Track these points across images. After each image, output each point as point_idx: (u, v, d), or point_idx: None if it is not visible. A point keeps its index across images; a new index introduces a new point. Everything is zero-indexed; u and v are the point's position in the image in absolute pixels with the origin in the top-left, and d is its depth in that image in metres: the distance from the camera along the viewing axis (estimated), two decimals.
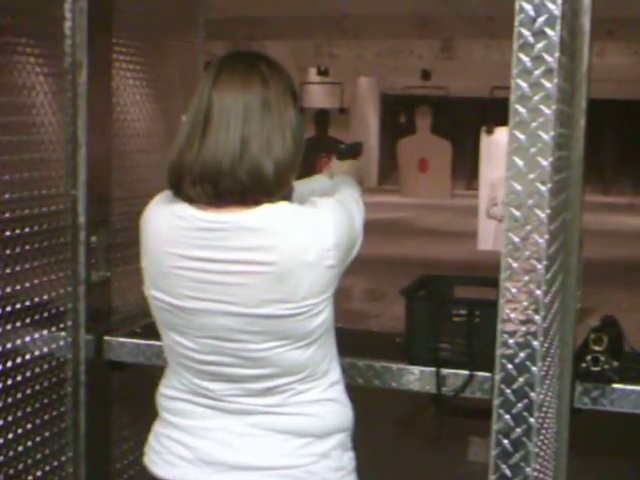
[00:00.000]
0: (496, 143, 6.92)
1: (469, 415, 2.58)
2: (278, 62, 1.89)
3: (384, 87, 19.33)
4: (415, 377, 2.48)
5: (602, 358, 2.38)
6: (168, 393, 1.91)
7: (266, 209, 1.75)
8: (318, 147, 9.44)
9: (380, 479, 4.28)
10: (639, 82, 14.55)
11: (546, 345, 1.89)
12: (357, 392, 2.53)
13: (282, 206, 1.77)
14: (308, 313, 1.77)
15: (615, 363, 2.39)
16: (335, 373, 1.92)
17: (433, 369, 2.46)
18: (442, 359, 2.47)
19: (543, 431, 1.96)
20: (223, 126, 1.76)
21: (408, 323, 2.55)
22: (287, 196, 1.83)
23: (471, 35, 9.13)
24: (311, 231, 1.76)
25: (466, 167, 16.57)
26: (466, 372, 2.43)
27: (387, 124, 20.93)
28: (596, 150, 20.19)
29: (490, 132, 7.04)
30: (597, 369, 2.38)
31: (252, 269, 1.74)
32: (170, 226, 1.80)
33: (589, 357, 2.39)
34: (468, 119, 14.92)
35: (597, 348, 2.39)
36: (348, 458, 1.94)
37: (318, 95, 12.11)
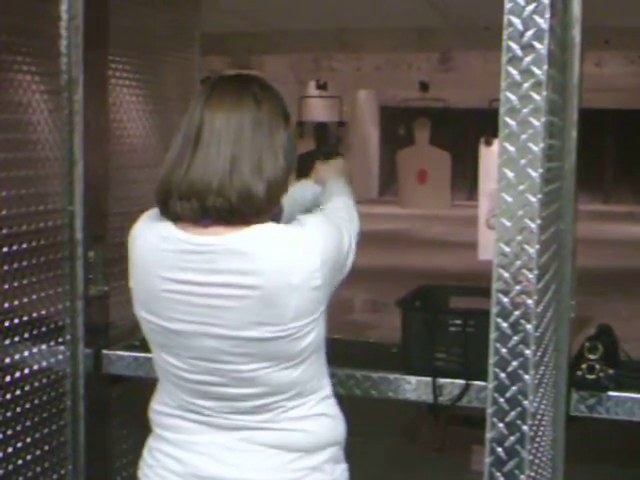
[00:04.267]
0: (494, 154, 6.89)
1: (468, 424, 2.60)
2: (270, 84, 1.91)
3: (383, 100, 19.38)
4: (412, 387, 2.50)
5: (597, 366, 2.40)
6: (159, 409, 1.92)
7: (252, 231, 1.75)
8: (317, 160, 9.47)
9: None
10: (637, 91, 14.58)
11: (539, 354, 1.91)
12: (358, 403, 2.56)
13: (269, 228, 1.77)
14: (295, 335, 1.77)
15: (610, 371, 2.41)
16: (325, 389, 1.92)
17: (429, 379, 2.48)
18: (438, 369, 2.49)
19: (537, 439, 1.97)
20: (214, 145, 1.76)
21: (404, 333, 2.57)
22: (277, 216, 1.83)
23: (469, 47, 9.16)
24: (297, 254, 1.76)
25: (466, 178, 16.62)
26: (462, 381, 2.45)
27: (387, 136, 20.98)
28: (596, 159, 20.25)
29: (489, 143, 7.05)
30: (592, 377, 2.40)
31: (238, 293, 1.74)
32: (154, 247, 1.80)
33: (584, 365, 2.41)
34: (468, 130, 14.97)
35: (592, 356, 2.41)
36: (340, 470, 1.94)
37: (317, 109, 12.14)
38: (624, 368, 2.49)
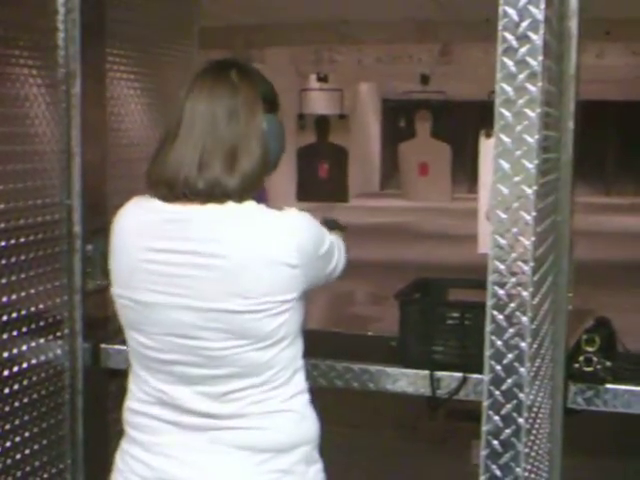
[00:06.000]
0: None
1: (470, 418, 2.60)
2: (253, 68, 1.92)
3: (385, 92, 19.36)
4: (410, 380, 2.50)
5: (595, 359, 2.40)
6: (132, 406, 1.92)
7: (229, 205, 1.79)
8: (319, 153, 9.47)
9: None
10: (639, 82, 14.55)
11: (535, 346, 1.91)
12: (359, 396, 2.56)
13: (246, 204, 1.80)
14: (268, 312, 1.78)
15: (608, 363, 2.41)
16: (299, 384, 1.91)
17: (427, 372, 2.48)
18: (436, 362, 2.48)
19: (534, 431, 1.97)
20: (189, 137, 1.80)
21: (402, 326, 2.57)
22: (260, 197, 1.85)
23: (469, 39, 9.15)
24: (272, 229, 1.79)
25: (467, 170, 16.59)
26: (460, 374, 2.45)
27: (388, 129, 20.96)
28: (597, 151, 20.22)
29: (489, 136, 7.04)
30: (590, 369, 2.40)
31: (208, 261, 1.76)
32: (136, 219, 1.84)
33: (582, 357, 2.41)
34: (468, 123, 14.94)
35: (589, 349, 2.41)
36: (314, 472, 1.92)
37: (318, 101, 12.13)
38: (622, 360, 2.49)
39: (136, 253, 1.82)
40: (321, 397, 2.38)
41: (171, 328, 1.80)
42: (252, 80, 1.88)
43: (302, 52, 11.40)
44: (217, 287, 1.76)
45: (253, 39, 10.37)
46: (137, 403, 1.91)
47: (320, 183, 9.33)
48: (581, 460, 2.84)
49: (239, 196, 1.80)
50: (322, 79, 10.35)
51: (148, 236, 1.81)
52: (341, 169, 9.43)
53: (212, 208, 1.79)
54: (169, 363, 1.83)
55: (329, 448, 2.05)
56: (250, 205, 1.81)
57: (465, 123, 15.32)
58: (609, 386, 2.40)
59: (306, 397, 1.93)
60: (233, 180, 1.79)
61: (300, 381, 1.91)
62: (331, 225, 2.31)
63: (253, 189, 1.83)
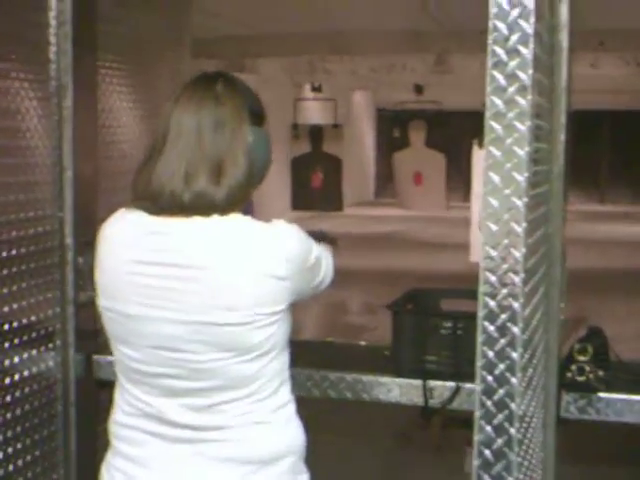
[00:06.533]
0: None
1: (467, 426, 2.60)
2: (239, 80, 1.92)
3: (379, 102, 19.39)
4: (402, 390, 2.50)
5: (587, 368, 2.41)
6: (117, 418, 1.91)
7: (215, 218, 1.78)
8: (313, 163, 9.49)
9: None
10: (633, 92, 14.61)
11: (527, 356, 1.91)
12: (354, 404, 2.56)
13: (232, 216, 1.80)
14: (255, 324, 1.77)
15: (600, 373, 2.42)
16: (285, 395, 1.90)
17: (420, 381, 2.48)
18: (429, 371, 2.49)
19: (526, 441, 1.98)
20: (173, 149, 1.80)
21: (395, 336, 2.57)
22: (247, 210, 1.85)
23: (464, 50, 9.19)
24: (260, 240, 1.79)
25: (463, 179, 16.61)
26: (453, 384, 2.46)
27: (383, 138, 21.00)
28: (591, 159, 20.28)
29: (481, 146, 7.07)
30: (582, 379, 2.41)
31: (192, 274, 1.76)
32: (123, 232, 1.84)
33: (574, 367, 2.42)
34: (463, 132, 14.97)
35: (582, 358, 2.42)
36: None
37: (312, 111, 12.15)
38: (614, 369, 2.50)
39: (121, 265, 1.82)
40: (315, 406, 2.38)
41: (156, 341, 1.79)
42: (238, 92, 1.88)
43: (296, 62, 11.44)
44: (201, 300, 1.76)
45: (247, 49, 10.40)
46: (122, 415, 1.90)
47: (314, 192, 9.35)
48: (575, 469, 2.84)
49: (225, 208, 1.79)
50: (316, 89, 10.37)
51: (133, 248, 1.81)
52: (335, 178, 9.45)
53: (197, 220, 1.78)
54: (154, 376, 1.82)
55: (323, 457, 2.04)
56: (236, 217, 1.81)
57: (460, 132, 15.33)
58: (602, 395, 2.41)
59: (292, 408, 1.93)
60: (219, 192, 1.78)
61: (286, 392, 1.91)
62: (319, 237, 2.31)
63: (240, 201, 1.83)
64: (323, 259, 1.98)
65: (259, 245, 1.79)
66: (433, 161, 9.45)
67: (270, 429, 1.86)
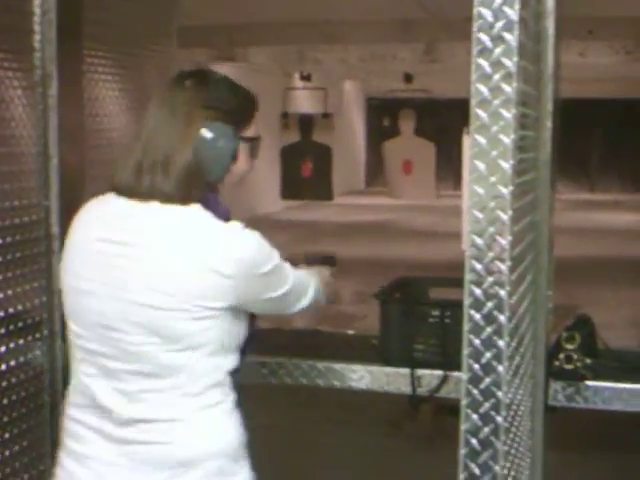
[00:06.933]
0: None
1: (453, 413, 2.60)
2: (219, 77, 1.95)
3: (369, 91, 19.38)
4: (390, 378, 2.50)
5: (575, 356, 2.41)
6: (67, 411, 1.96)
7: (173, 207, 1.84)
8: (302, 152, 9.47)
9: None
10: (622, 81, 14.63)
11: (514, 344, 1.91)
12: (346, 393, 2.56)
13: (192, 207, 1.84)
14: (189, 313, 1.80)
15: (588, 361, 2.42)
16: (215, 396, 1.88)
17: (408, 370, 2.48)
18: (417, 360, 2.48)
19: (513, 429, 1.98)
20: (136, 143, 1.89)
21: (382, 325, 2.57)
22: (222, 212, 1.90)
23: (453, 38, 9.17)
24: (212, 235, 1.83)
25: (453, 168, 16.62)
26: (441, 372, 2.45)
27: (373, 127, 20.98)
28: (582, 148, 20.30)
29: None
30: (570, 367, 2.41)
31: (137, 253, 1.81)
32: (91, 213, 1.94)
33: (562, 355, 2.42)
34: (453, 120, 14.97)
35: (570, 346, 2.42)
36: None
37: (302, 100, 12.12)
38: (602, 357, 2.51)
39: (83, 242, 1.90)
40: (307, 394, 2.37)
41: (97, 317, 1.85)
42: (202, 89, 1.90)
43: (286, 51, 11.41)
44: (142, 280, 1.80)
45: (236, 38, 10.37)
46: (71, 408, 1.94)
47: (304, 181, 9.33)
48: (565, 456, 2.85)
49: (178, 199, 1.84)
50: (305, 78, 10.35)
51: (95, 226, 1.89)
52: (325, 167, 9.44)
53: (154, 206, 1.83)
54: (94, 353, 1.87)
55: (317, 446, 2.03)
56: (195, 209, 1.85)
57: (450, 121, 15.34)
58: (589, 383, 2.41)
59: (224, 409, 1.90)
60: (168, 185, 1.83)
61: (218, 393, 1.88)
62: (312, 261, 2.31)
63: (191, 193, 1.85)
64: (291, 277, 1.97)
65: (209, 239, 1.82)
66: (423, 150, 9.44)
67: (195, 429, 1.85)
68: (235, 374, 1.94)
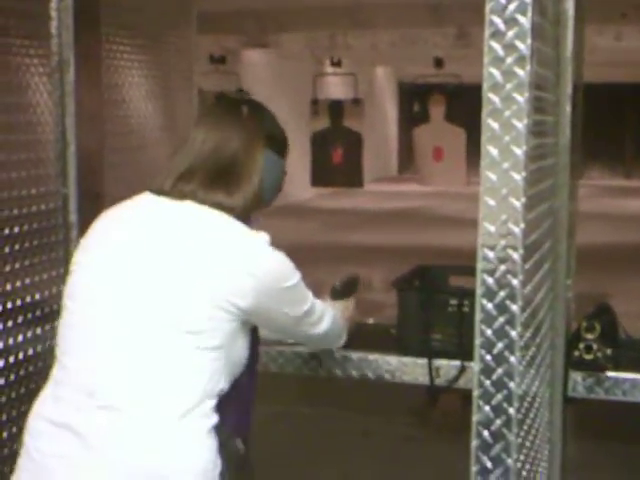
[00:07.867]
0: None
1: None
2: (263, 106, 2.03)
3: (401, 76, 19.27)
4: (407, 369, 2.46)
5: (595, 346, 2.36)
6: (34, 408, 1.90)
7: (210, 210, 1.86)
8: (333, 138, 9.40)
9: (395, 470, 4.29)
10: None
11: (528, 334, 1.88)
12: (369, 383, 2.53)
13: (225, 215, 1.86)
14: (217, 303, 1.77)
15: (608, 351, 2.36)
16: (203, 409, 1.78)
17: (425, 360, 2.44)
18: (435, 349, 2.44)
19: (528, 421, 1.94)
20: (183, 155, 1.93)
21: (400, 314, 2.54)
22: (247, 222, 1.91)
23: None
24: (246, 238, 1.84)
25: None
26: (458, 362, 2.41)
27: (405, 112, 20.85)
28: (616, 134, 20.03)
29: None
30: (590, 357, 2.36)
31: (178, 248, 1.81)
32: (121, 206, 1.98)
33: (582, 345, 2.37)
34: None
35: (590, 336, 2.37)
36: None
37: (332, 86, 12.07)
38: (623, 347, 2.45)
39: (105, 232, 1.93)
40: (335, 384, 2.32)
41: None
42: (257, 117, 1.98)
43: (317, 37, 11.35)
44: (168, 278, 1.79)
45: (267, 24, 10.33)
46: (39, 405, 1.90)
47: (334, 168, 9.27)
48: (582, 446, 2.80)
49: (241, 215, 1.89)
50: (335, 64, 10.26)
51: (123, 217, 1.93)
52: (355, 154, 9.37)
53: (191, 207, 1.86)
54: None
55: (343, 434, 1.97)
56: (227, 217, 1.86)
57: (480, 107, 15.22)
58: (610, 374, 2.36)
59: (207, 425, 1.79)
60: (232, 200, 1.87)
61: (206, 407, 1.79)
62: (336, 295, 2.43)
63: (251, 212, 1.92)
64: (310, 300, 1.96)
65: (243, 243, 1.83)
66: (453, 136, 9.33)
67: (173, 445, 1.75)
68: (253, 363, 1.93)
